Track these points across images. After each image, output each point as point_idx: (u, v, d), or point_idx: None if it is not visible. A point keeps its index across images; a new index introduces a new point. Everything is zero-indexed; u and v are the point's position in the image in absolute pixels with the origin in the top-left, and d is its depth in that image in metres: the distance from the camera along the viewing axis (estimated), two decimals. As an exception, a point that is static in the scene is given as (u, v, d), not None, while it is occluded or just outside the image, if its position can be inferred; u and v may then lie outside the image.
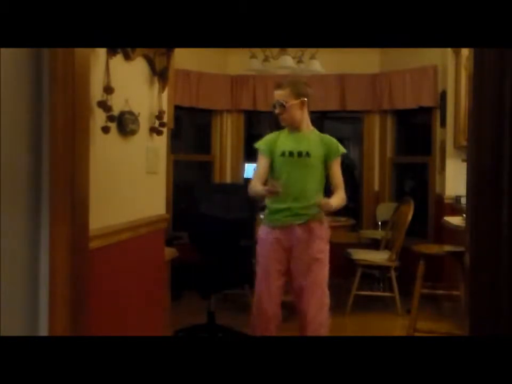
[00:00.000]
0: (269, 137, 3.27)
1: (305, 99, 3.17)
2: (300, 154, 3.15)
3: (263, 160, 3.21)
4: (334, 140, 3.26)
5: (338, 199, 3.16)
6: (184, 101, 5.75)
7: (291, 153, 3.15)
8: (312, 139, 3.21)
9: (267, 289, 3.15)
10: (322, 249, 3.16)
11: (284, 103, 3.13)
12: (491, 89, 1.33)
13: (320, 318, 3.13)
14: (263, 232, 3.23)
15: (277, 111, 3.17)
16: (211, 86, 6.00)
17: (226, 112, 6.26)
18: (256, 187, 3.15)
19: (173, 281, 3.16)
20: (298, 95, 3.15)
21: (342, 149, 3.25)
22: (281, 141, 3.20)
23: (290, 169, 3.15)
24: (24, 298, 1.81)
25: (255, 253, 3.28)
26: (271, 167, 3.22)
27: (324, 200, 3.05)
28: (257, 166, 3.26)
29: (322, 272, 3.16)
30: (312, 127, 3.27)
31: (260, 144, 3.25)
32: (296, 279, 3.17)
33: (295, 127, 3.20)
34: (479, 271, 1.37)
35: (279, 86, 3.19)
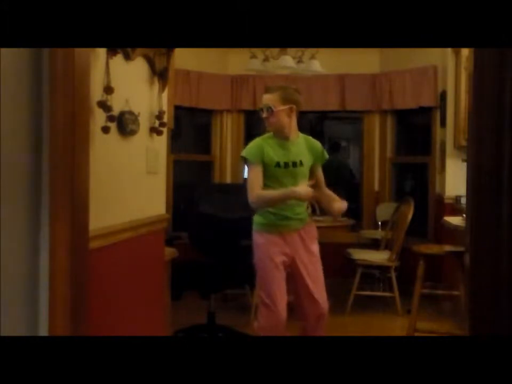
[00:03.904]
0: (255, 146, 3.12)
1: (294, 106, 3.11)
2: (294, 164, 3.11)
3: (257, 169, 3.07)
4: (320, 145, 3.28)
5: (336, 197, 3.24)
6: (184, 101, 5.75)
7: (286, 164, 3.09)
8: (301, 147, 3.18)
9: (278, 288, 3.07)
10: (317, 248, 3.25)
11: (273, 108, 3.06)
12: (491, 89, 1.33)
13: (327, 309, 3.19)
14: (261, 237, 3.14)
15: (264, 115, 3.09)
16: (211, 86, 5.99)
17: (226, 112, 6.25)
18: (268, 192, 3.06)
19: (173, 281, 3.16)
20: (287, 100, 3.09)
21: (326, 155, 3.30)
22: (271, 150, 3.10)
23: (285, 180, 3.10)
24: (24, 298, 1.81)
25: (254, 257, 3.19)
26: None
27: (342, 206, 3.13)
28: (252, 176, 3.09)
29: (321, 269, 3.23)
30: (298, 133, 3.21)
31: (249, 155, 3.09)
32: (302, 280, 3.15)
33: (284, 135, 3.13)
34: (479, 271, 1.37)
35: (268, 90, 3.13)
